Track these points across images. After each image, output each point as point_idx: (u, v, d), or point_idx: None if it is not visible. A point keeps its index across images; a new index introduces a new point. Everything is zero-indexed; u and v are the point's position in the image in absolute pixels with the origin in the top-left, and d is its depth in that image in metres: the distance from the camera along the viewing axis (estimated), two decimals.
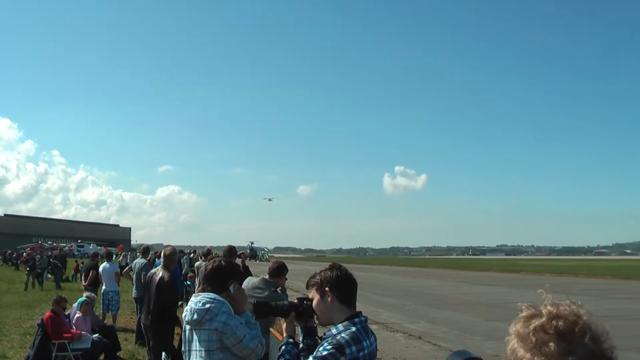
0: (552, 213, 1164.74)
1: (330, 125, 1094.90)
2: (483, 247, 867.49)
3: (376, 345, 5.41)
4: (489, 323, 26.60)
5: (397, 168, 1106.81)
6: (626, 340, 22.04)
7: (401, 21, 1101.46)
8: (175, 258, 15.33)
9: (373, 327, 24.08)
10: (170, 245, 16.74)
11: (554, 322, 2.28)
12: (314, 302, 5.43)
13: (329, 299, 5.31)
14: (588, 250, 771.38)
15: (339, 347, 4.98)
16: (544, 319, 2.31)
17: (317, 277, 5.42)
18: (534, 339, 2.27)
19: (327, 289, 5.31)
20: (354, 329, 5.17)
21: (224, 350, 6.66)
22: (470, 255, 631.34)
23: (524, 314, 2.38)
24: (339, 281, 5.37)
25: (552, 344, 2.24)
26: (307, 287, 5.53)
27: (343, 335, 5.08)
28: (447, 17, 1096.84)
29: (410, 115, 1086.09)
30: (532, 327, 2.30)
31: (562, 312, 2.31)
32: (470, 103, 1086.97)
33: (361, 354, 5.08)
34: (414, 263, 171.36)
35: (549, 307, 2.35)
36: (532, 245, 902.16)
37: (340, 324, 5.21)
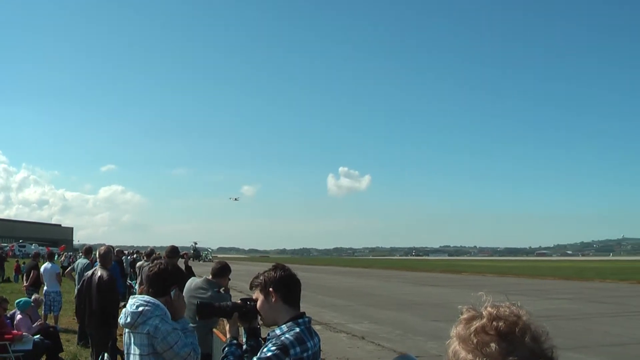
0: (495, 214, 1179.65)
1: (275, 126, 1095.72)
2: (426, 247, 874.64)
3: (320, 346, 5.39)
4: (432, 323, 26.71)
5: (341, 169, 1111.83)
6: (567, 340, 22.34)
7: (346, 24, 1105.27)
8: (110, 257, 15.22)
9: (317, 327, 23.96)
10: (106, 244, 16.60)
11: (494, 323, 2.30)
12: (258, 303, 5.38)
13: (273, 300, 5.28)
14: (530, 251, 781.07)
15: (283, 348, 4.96)
16: (484, 320, 2.33)
17: (261, 277, 5.37)
18: (475, 340, 2.30)
19: (271, 289, 5.27)
20: (298, 329, 5.15)
21: (156, 355, 6.53)
22: (413, 256, 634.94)
23: (465, 316, 2.40)
24: (283, 282, 5.35)
25: (493, 345, 2.26)
26: (251, 287, 5.48)
27: (287, 336, 5.06)
28: (390, 20, 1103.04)
29: (354, 116, 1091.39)
30: (473, 328, 2.32)
31: (503, 313, 2.34)
32: (413, 105, 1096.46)
33: (305, 354, 5.07)
34: (357, 264, 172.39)
35: (489, 309, 2.37)
36: (475, 246, 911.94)
37: (284, 325, 5.19)
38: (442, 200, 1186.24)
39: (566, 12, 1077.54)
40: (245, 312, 5.54)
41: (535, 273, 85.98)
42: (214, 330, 10.37)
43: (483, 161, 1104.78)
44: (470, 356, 2.30)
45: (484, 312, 2.37)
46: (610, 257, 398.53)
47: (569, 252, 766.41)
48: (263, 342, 5.32)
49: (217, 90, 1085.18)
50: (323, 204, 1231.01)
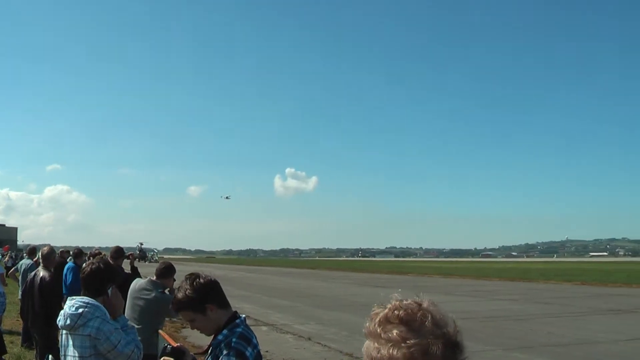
0: (441, 216, 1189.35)
1: (222, 127, 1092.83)
2: (372, 249, 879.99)
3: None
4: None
5: (288, 170, 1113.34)
6: (512, 340, 22.57)
7: (291, 25, 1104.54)
8: (54, 257, 14.98)
9: (262, 328, 23.87)
10: (49, 245, 16.33)
11: (396, 312, 2.36)
12: (197, 323, 5.31)
13: (212, 312, 5.23)
14: (475, 253, 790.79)
15: (241, 355, 4.97)
16: (387, 310, 2.38)
17: (184, 296, 5.26)
18: (379, 329, 2.34)
19: (207, 304, 5.23)
20: (240, 330, 5.16)
21: (98, 357, 6.44)
22: (359, 257, 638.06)
23: (373, 312, 2.44)
24: (213, 290, 5.32)
25: (395, 331, 2.30)
26: (178, 310, 5.38)
27: (235, 340, 5.04)
28: (335, 22, 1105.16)
29: (302, 118, 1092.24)
30: (377, 319, 2.38)
31: (404, 303, 2.40)
32: (360, 107, 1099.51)
33: (256, 350, 5.14)
34: (303, 264, 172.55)
35: (393, 301, 2.42)
36: (421, 248, 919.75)
37: (225, 329, 5.18)
38: (389, 202, 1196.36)
39: (512, 12, 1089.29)
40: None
41: (480, 274, 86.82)
42: (160, 331, 10.21)
43: (429, 163, 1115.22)
44: (375, 344, 2.34)
45: (388, 305, 2.41)
46: (554, 259, 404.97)
47: (513, 253, 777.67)
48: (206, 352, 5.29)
49: (164, 90, 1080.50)
50: (270, 204, 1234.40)
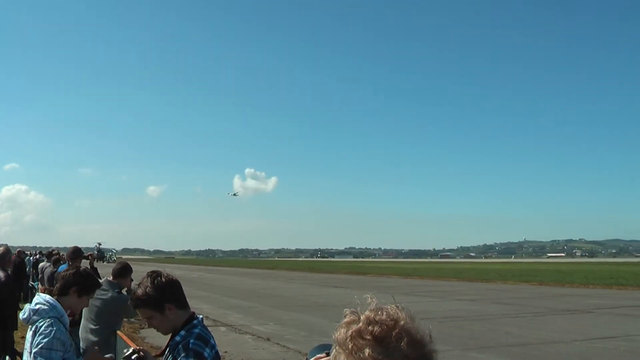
0: (399, 217, 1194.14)
1: (181, 127, 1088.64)
2: (331, 249, 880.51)
3: None
4: (337, 324, 26.71)
5: (247, 170, 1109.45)
6: (470, 340, 22.68)
7: (250, 26, 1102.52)
8: (9, 257, 14.77)
9: (221, 329, 23.74)
10: (5, 245, 16.12)
11: (370, 328, 2.26)
12: (155, 321, 5.27)
13: (170, 311, 5.20)
14: (434, 253, 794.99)
15: (198, 356, 4.95)
16: (361, 324, 2.29)
17: (143, 293, 5.23)
18: (350, 345, 2.25)
19: (167, 304, 5.19)
20: (197, 330, 5.14)
21: None
22: (318, 257, 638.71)
23: (345, 320, 2.36)
24: (174, 289, 5.29)
25: (367, 350, 2.21)
26: (137, 306, 5.33)
27: (193, 341, 5.02)
28: (294, 23, 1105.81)
29: (261, 118, 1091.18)
30: (349, 332, 2.28)
31: (380, 317, 2.29)
32: (319, 108, 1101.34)
33: (214, 350, 5.10)
34: (263, 265, 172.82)
35: (367, 312, 2.33)
36: (380, 248, 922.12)
37: (182, 330, 5.16)
38: (348, 203, 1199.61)
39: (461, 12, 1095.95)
40: None
41: (438, 275, 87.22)
42: (118, 332, 10.13)
43: (388, 164, 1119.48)
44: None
45: (362, 316, 2.32)
46: (512, 259, 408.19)
47: (472, 254, 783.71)
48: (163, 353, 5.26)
49: (123, 90, 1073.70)
50: (229, 205, 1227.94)
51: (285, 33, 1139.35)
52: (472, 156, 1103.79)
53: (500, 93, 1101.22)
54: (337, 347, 2.30)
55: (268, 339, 23.07)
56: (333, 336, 2.36)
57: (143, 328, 22.48)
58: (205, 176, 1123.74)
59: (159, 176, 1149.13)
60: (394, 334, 2.23)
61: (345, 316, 2.37)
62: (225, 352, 19.04)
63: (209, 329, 5.41)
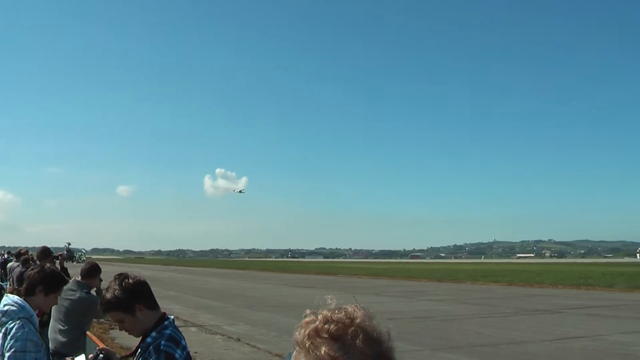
0: (370, 217, 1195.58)
1: (151, 126, 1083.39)
2: (302, 249, 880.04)
3: None
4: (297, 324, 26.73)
5: (217, 170, 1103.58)
6: (440, 340, 22.78)
7: (225, 25, 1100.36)
8: None
9: (192, 329, 23.64)
10: None
11: (326, 326, 2.30)
12: (126, 324, 5.27)
13: (141, 312, 5.19)
14: (404, 254, 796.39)
15: (170, 358, 4.95)
16: (318, 323, 2.32)
17: (113, 296, 5.20)
18: (308, 344, 2.29)
19: (137, 305, 5.17)
20: (168, 331, 5.14)
21: None
22: (289, 257, 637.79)
23: (305, 320, 2.39)
24: (142, 290, 5.28)
25: (323, 348, 2.25)
26: (107, 310, 5.31)
27: (164, 342, 5.01)
28: (271, 24, 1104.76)
29: (232, 118, 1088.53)
30: (307, 332, 2.32)
31: (336, 316, 2.33)
32: (289, 107, 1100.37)
33: (186, 352, 5.11)
34: (233, 265, 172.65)
35: (324, 312, 2.36)
36: (350, 249, 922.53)
37: (153, 331, 5.15)
38: (319, 203, 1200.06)
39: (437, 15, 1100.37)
40: None
41: (408, 275, 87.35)
42: (88, 333, 10.06)
43: (358, 164, 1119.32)
44: (303, 358, 2.30)
45: (319, 316, 2.36)
46: (482, 260, 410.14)
47: (442, 254, 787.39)
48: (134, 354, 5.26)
49: (93, 88, 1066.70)
50: (199, 205, 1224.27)
51: (256, 32, 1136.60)
52: (442, 157, 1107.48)
53: (468, 92, 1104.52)
54: (296, 347, 2.33)
55: (238, 339, 23.04)
56: (293, 338, 2.38)
57: (113, 328, 22.34)
58: (176, 176, 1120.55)
59: (129, 176, 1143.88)
60: (349, 332, 2.27)
61: (305, 316, 2.39)
62: (196, 352, 18.97)
63: (180, 329, 5.41)
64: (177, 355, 4.94)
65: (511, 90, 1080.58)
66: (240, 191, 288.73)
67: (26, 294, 6.75)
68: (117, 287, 5.17)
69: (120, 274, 5.33)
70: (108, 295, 5.20)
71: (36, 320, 6.55)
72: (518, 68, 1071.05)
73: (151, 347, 4.99)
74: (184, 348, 5.09)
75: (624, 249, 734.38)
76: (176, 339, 5.08)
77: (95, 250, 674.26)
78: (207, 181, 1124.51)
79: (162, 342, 4.98)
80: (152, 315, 5.21)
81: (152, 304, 5.26)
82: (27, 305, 6.52)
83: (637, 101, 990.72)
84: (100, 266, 11.17)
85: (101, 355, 5.44)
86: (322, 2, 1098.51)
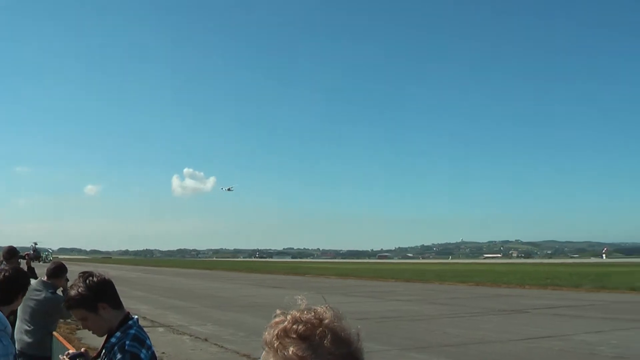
0: (338, 217, 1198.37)
1: (119, 126, 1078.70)
2: (270, 249, 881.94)
3: None
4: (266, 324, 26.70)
5: (185, 170, 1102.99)
6: (408, 340, 22.82)
7: (188, 26, 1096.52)
8: None
9: (159, 329, 23.48)
10: None
11: (295, 327, 2.30)
12: (89, 322, 5.23)
13: (104, 311, 5.15)
14: (372, 254, 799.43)
15: (135, 358, 4.93)
16: (286, 323, 2.32)
17: (79, 294, 5.15)
18: (276, 344, 2.29)
19: (99, 303, 5.13)
20: (133, 331, 5.10)
21: None
22: (257, 257, 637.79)
23: (274, 320, 2.39)
24: (107, 289, 5.25)
25: (291, 348, 2.25)
26: (71, 307, 5.25)
27: (129, 342, 4.98)
28: (230, 23, 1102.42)
29: (199, 118, 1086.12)
30: (275, 332, 2.32)
31: (305, 316, 2.34)
32: (257, 109, 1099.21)
33: (151, 351, 5.08)
34: (201, 265, 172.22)
35: (294, 312, 2.37)
36: (318, 249, 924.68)
37: (117, 331, 5.12)
38: (287, 203, 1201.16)
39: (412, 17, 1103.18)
40: None
41: (376, 275, 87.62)
42: (54, 333, 9.97)
43: (325, 164, 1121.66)
44: (272, 359, 2.30)
45: (288, 316, 2.36)
46: (449, 260, 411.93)
47: (409, 255, 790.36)
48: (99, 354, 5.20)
49: (60, 89, 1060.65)
50: (167, 204, 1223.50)
51: (224, 33, 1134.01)
52: (410, 158, 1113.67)
53: (429, 93, 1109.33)
54: (265, 347, 2.33)
55: (206, 340, 22.98)
56: (262, 338, 2.37)
57: (79, 329, 22.15)
58: (144, 176, 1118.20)
59: (97, 175, 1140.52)
60: (317, 332, 2.27)
61: (274, 316, 2.39)
62: (163, 353, 18.91)
63: (147, 329, 5.38)
64: (142, 355, 4.92)
65: (475, 91, 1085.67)
66: (229, 189, 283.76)
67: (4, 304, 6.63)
68: (81, 284, 5.13)
69: (84, 272, 5.29)
70: (72, 293, 5.17)
71: (10, 329, 6.40)
72: (477, 70, 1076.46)
73: (116, 347, 4.96)
74: (149, 347, 5.07)
75: (590, 249, 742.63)
76: (141, 339, 5.05)
77: (62, 250, 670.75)
78: (175, 181, 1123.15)
79: (127, 342, 4.95)
80: (116, 315, 5.17)
81: (116, 303, 5.22)
82: (2, 316, 6.37)
83: (603, 103, 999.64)
84: (67, 266, 11.07)
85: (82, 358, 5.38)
86: (293, 4, 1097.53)
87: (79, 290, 5.10)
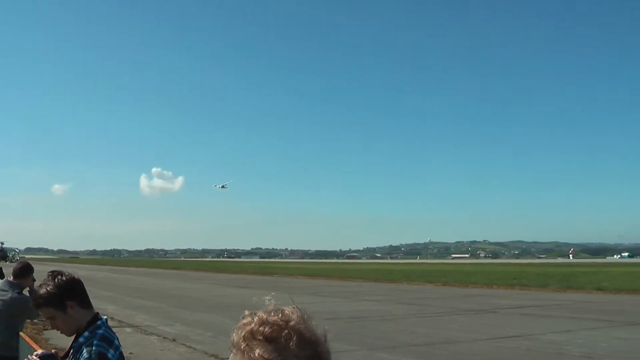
0: (306, 218, 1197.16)
1: (86, 125, 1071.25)
2: (238, 249, 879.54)
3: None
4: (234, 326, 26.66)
5: (154, 170, 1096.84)
6: (376, 340, 22.87)
7: (146, 21, 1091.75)
8: None
9: (127, 330, 23.40)
10: None
11: (261, 328, 2.32)
12: (57, 321, 5.21)
13: (72, 310, 5.14)
14: (340, 254, 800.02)
15: (103, 357, 4.91)
16: (253, 325, 2.34)
17: (47, 292, 5.14)
18: (243, 345, 2.32)
19: (68, 302, 5.12)
20: (101, 331, 5.09)
21: None
22: (225, 257, 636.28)
23: (242, 321, 2.41)
24: (75, 287, 5.22)
25: (257, 350, 2.28)
26: (39, 306, 5.25)
27: (97, 342, 4.97)
28: (192, 21, 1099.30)
29: (168, 118, 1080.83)
30: (243, 333, 2.34)
31: (272, 318, 2.35)
32: (225, 108, 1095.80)
33: (119, 352, 5.07)
34: (168, 265, 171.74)
35: (260, 314, 2.39)
36: (287, 249, 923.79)
37: (85, 331, 5.10)
38: (255, 203, 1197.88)
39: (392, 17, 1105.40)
40: None
41: (345, 275, 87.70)
42: (21, 334, 9.91)
43: (294, 165, 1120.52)
44: None
45: (255, 318, 2.37)
46: (418, 260, 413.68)
47: (378, 255, 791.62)
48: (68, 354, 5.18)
49: (25, 88, 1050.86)
50: (135, 204, 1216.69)
51: (191, 31, 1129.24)
52: (378, 158, 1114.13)
53: (397, 94, 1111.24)
54: (233, 349, 2.34)
55: (174, 340, 22.94)
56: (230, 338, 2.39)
57: (47, 329, 22.04)
58: (112, 175, 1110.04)
59: (64, 175, 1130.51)
60: (283, 334, 2.29)
61: (242, 317, 2.40)
62: (131, 353, 18.83)
63: (114, 330, 5.37)
64: (109, 355, 4.91)
65: (442, 91, 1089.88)
66: (223, 186, 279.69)
67: None
68: (50, 283, 5.12)
69: (54, 271, 5.27)
70: (41, 291, 5.16)
71: None
72: (451, 69, 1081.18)
73: (83, 347, 4.95)
74: (117, 348, 5.06)
75: (557, 249, 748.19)
76: (109, 339, 5.05)
77: (29, 250, 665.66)
78: (143, 180, 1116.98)
79: (95, 342, 4.94)
80: (85, 315, 5.16)
81: (84, 302, 5.21)
82: None
83: (569, 103, 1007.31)
84: (34, 266, 11.00)
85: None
86: (260, 3, 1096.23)
87: (48, 288, 5.09)
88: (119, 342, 5.17)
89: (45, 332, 22.39)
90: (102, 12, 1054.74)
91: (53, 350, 5.51)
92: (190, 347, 21.49)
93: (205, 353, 20.16)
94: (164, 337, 23.75)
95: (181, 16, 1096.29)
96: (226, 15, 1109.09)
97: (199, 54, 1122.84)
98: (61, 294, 5.07)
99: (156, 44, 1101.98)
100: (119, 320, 27.58)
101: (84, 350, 4.91)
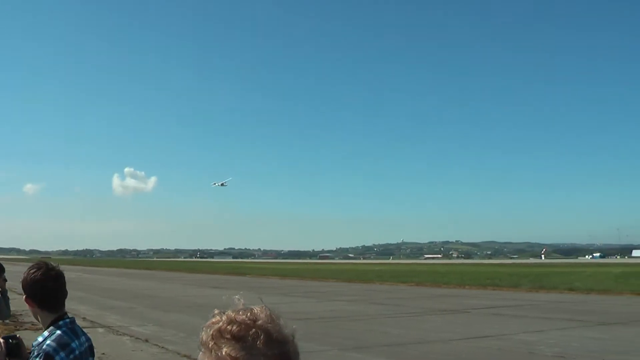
0: (279, 218, 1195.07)
1: (58, 124, 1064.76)
2: (211, 249, 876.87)
3: (89, 345, 5.29)
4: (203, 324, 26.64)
5: (126, 169, 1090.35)
6: (349, 340, 22.92)
7: (129, 22, 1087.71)
8: None
9: (99, 330, 23.27)
10: None
11: (229, 327, 2.32)
12: (32, 312, 5.19)
13: (32, 308, 5.13)
14: (313, 254, 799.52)
15: (47, 358, 4.83)
16: (221, 324, 2.35)
17: (23, 279, 5.10)
18: (211, 344, 2.32)
19: (26, 299, 5.09)
20: (59, 332, 5.02)
21: None
22: (198, 258, 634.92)
23: (210, 320, 2.41)
24: (35, 287, 5.11)
25: (225, 349, 2.28)
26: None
27: (49, 342, 4.92)
28: (169, 23, 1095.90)
29: (141, 117, 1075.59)
30: (211, 332, 2.35)
31: (240, 317, 2.36)
32: (199, 108, 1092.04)
33: (72, 356, 4.97)
34: (141, 265, 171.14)
35: (228, 312, 2.39)
36: (259, 249, 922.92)
37: (45, 331, 5.06)
38: (227, 203, 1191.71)
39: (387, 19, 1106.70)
40: (10, 353, 5.23)
41: (317, 275, 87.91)
42: None
43: (266, 165, 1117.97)
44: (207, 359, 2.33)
45: (223, 317, 2.38)
46: (390, 260, 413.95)
47: (350, 255, 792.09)
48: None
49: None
50: (108, 204, 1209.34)
51: (160, 30, 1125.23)
52: (350, 158, 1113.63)
53: (369, 93, 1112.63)
54: (202, 348, 2.35)
55: (147, 340, 22.89)
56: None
57: (18, 330, 21.94)
58: (84, 175, 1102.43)
59: (36, 174, 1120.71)
60: (251, 332, 2.30)
61: (212, 316, 2.41)
62: (103, 353, 18.75)
63: (86, 330, 5.34)
64: (57, 358, 4.85)
65: (418, 92, 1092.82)
66: (222, 184, 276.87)
67: None
68: (25, 272, 5.11)
69: (34, 264, 5.23)
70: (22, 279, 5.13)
71: None
72: (426, 70, 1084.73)
73: (38, 347, 4.94)
74: (72, 351, 4.98)
75: (529, 250, 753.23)
76: (64, 342, 4.97)
77: (1, 250, 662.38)
78: (116, 180, 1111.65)
79: (47, 342, 4.90)
80: (45, 316, 5.10)
81: (46, 305, 5.11)
82: None
83: (545, 103, 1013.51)
84: (5, 266, 10.94)
85: (14, 341, 5.31)
86: (240, 5, 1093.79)
87: (23, 280, 5.09)
88: (79, 344, 5.09)
89: (16, 332, 22.24)
90: (73, 11, 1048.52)
91: (17, 335, 5.50)
92: (162, 347, 21.44)
93: (178, 353, 20.12)
94: (137, 338, 23.65)
95: (149, 14, 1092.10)
96: (203, 15, 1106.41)
97: (171, 54, 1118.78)
98: (23, 288, 5.07)
99: (128, 43, 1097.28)
100: (91, 321, 27.43)
101: (37, 349, 4.90)
